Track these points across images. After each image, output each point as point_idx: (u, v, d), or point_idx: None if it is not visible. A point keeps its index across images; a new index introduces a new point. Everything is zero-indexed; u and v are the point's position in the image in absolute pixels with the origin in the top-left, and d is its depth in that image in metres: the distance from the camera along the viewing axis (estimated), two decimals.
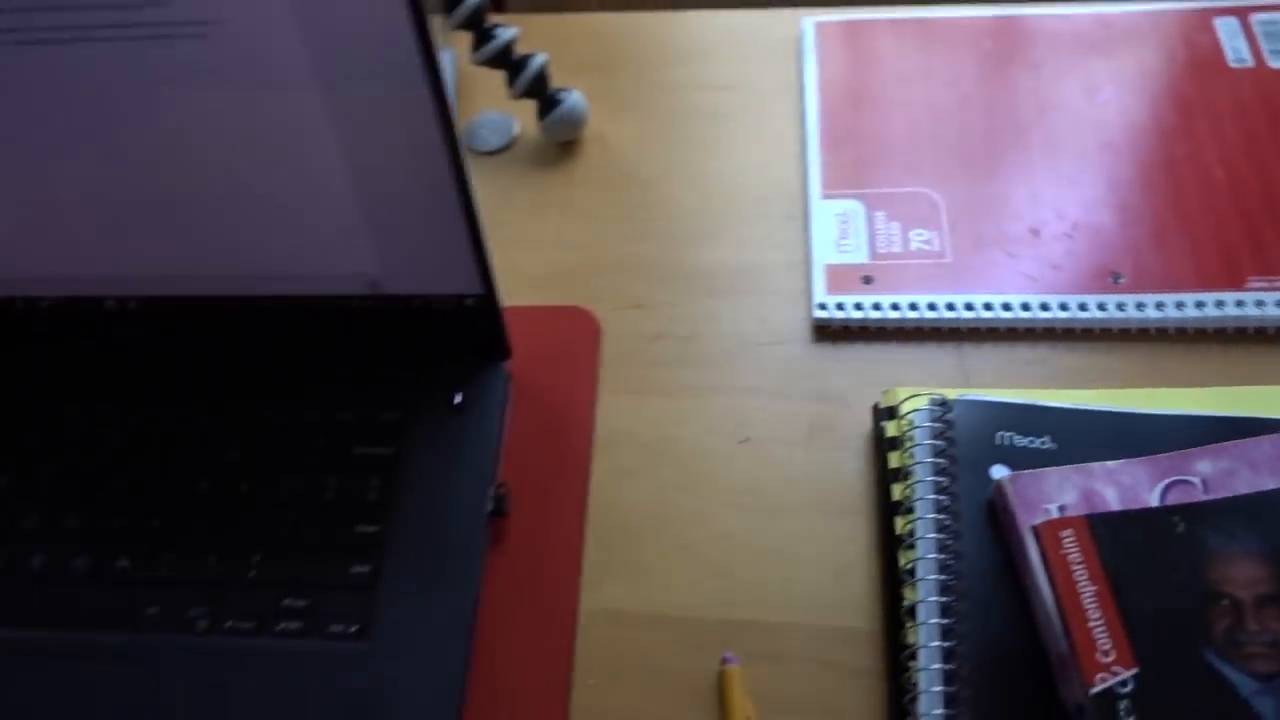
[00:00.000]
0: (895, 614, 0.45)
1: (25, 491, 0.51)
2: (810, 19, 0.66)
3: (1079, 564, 0.38)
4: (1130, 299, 0.53)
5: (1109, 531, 0.39)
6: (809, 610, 0.47)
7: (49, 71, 0.44)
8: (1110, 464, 0.43)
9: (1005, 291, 0.53)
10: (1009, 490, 0.43)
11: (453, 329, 0.52)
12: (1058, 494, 0.43)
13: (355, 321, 0.52)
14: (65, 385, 0.54)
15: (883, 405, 0.50)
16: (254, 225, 0.49)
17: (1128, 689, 0.36)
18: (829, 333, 0.54)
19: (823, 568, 0.48)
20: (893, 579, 0.46)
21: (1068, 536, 0.39)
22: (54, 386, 0.54)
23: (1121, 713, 0.35)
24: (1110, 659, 0.36)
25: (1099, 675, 0.36)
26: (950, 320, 0.53)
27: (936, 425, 0.47)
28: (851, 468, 0.50)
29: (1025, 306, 0.53)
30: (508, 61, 0.60)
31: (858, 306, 0.54)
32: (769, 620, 0.47)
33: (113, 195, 0.48)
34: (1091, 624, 0.37)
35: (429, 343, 0.53)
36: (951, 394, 0.49)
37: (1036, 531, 0.40)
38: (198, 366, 0.54)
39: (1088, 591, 0.38)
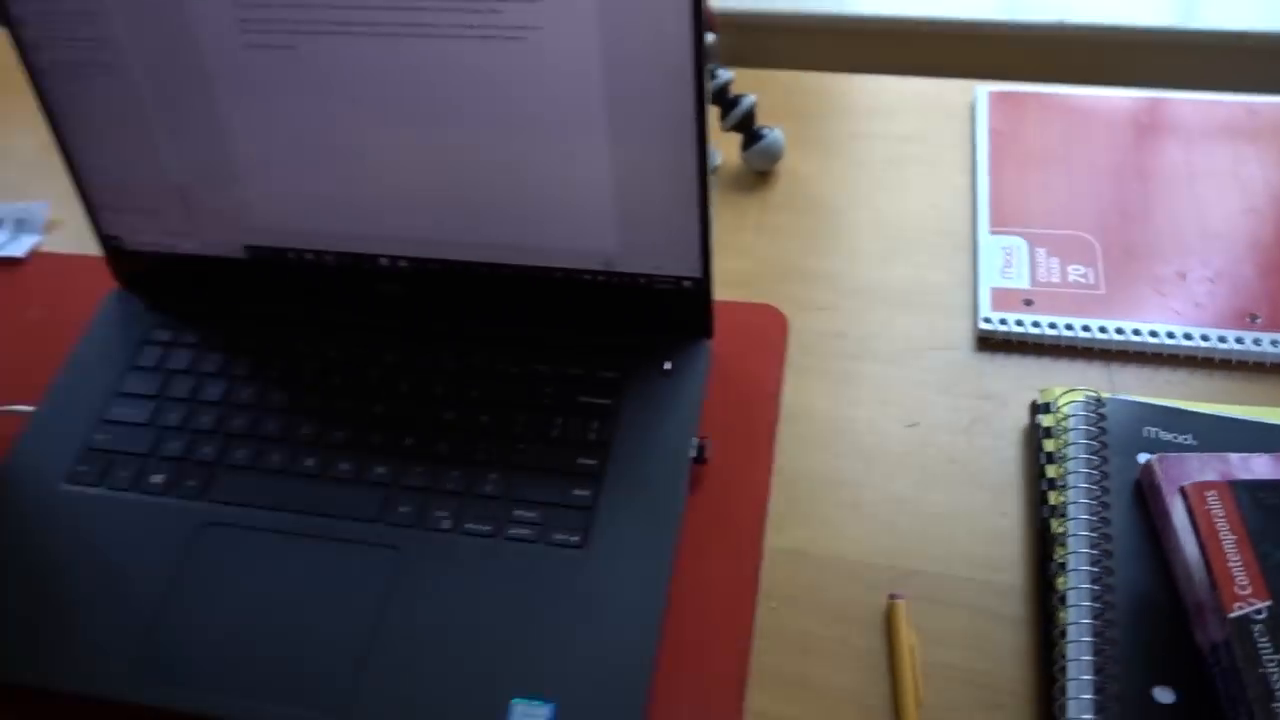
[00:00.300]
0: (1045, 573, 0.52)
1: (301, 407, 0.61)
2: (983, 88, 0.75)
3: (1220, 517, 0.45)
4: (1266, 336, 0.59)
5: (1247, 494, 0.46)
6: (966, 564, 0.54)
7: (387, 59, 0.55)
8: (1246, 454, 0.50)
9: (1152, 321, 0.61)
10: (1157, 467, 0.50)
11: (667, 307, 0.61)
12: (1198, 474, 0.49)
13: (586, 292, 0.62)
14: (339, 325, 0.65)
15: (1040, 400, 0.57)
16: (521, 202, 0.59)
17: (1262, 616, 0.42)
18: (991, 343, 0.62)
19: (977, 530, 0.55)
20: (1044, 543, 0.53)
21: (1211, 495, 0.46)
22: (330, 326, 0.65)
23: (1256, 634, 0.41)
24: (1247, 592, 0.42)
25: (1236, 604, 0.42)
26: (1101, 341, 0.60)
27: (1090, 416, 0.54)
28: (1007, 454, 0.58)
29: (1170, 334, 0.60)
30: (723, 99, 0.70)
31: (1018, 323, 0.62)
32: (930, 570, 0.54)
33: (410, 167, 0.59)
34: (1230, 564, 0.43)
35: (645, 316, 0.62)
36: (1104, 395, 0.56)
37: (1184, 492, 0.46)
38: (450, 320, 0.64)
39: (1228, 540, 0.44)
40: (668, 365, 0.61)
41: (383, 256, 0.64)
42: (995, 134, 0.72)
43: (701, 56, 0.52)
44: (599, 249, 0.60)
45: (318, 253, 0.64)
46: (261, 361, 0.64)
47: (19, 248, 0.75)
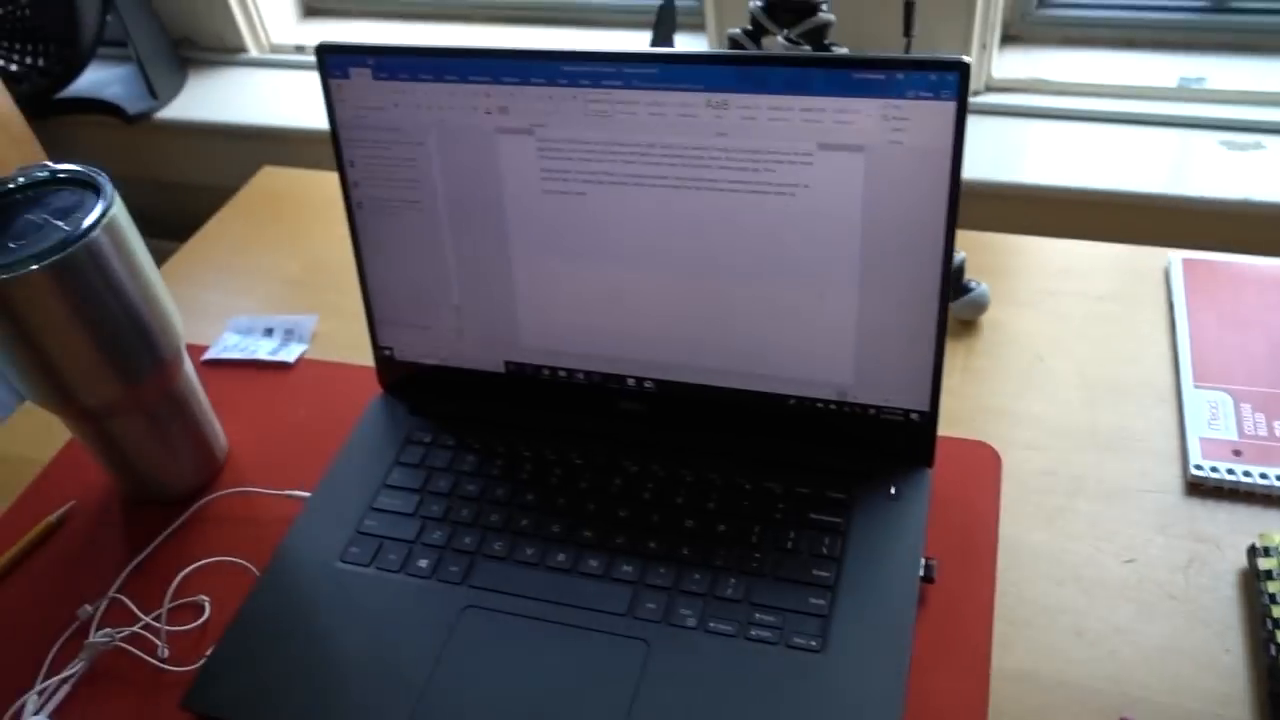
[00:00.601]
0: (1275, 711, 0.53)
1: (551, 507, 0.68)
2: (1177, 255, 0.81)
3: None
4: None
5: None
6: (1193, 695, 0.56)
7: (665, 208, 0.64)
8: None
9: None
10: None
11: (892, 436, 0.67)
12: None
13: (817, 419, 0.68)
14: (584, 436, 0.72)
15: (1260, 545, 0.60)
16: (768, 337, 0.66)
17: None
18: (1202, 490, 0.66)
19: (1202, 664, 0.57)
20: (1273, 680, 0.55)
21: None
22: (575, 436, 0.72)
23: None
24: None
25: None
26: None
27: None
28: (1226, 594, 0.60)
29: None
30: None
31: (1229, 471, 0.65)
32: (1157, 699, 0.56)
33: (669, 302, 0.67)
34: None
35: (870, 443, 0.67)
36: None
37: None
38: (687, 436, 0.71)
39: None
40: (893, 490, 0.66)
41: (630, 377, 0.71)
42: (1191, 295, 0.77)
43: (955, 212, 0.59)
44: (835, 381, 0.66)
45: (570, 371, 0.72)
46: (514, 464, 0.71)
47: (289, 354, 0.84)
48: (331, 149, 0.69)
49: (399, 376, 0.77)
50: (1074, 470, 0.68)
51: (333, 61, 0.66)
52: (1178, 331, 0.75)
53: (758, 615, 0.60)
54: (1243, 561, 0.62)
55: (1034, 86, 1.28)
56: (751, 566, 0.63)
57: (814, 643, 0.59)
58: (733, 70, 0.59)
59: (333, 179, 1.06)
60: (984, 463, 0.69)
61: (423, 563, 0.66)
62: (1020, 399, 0.73)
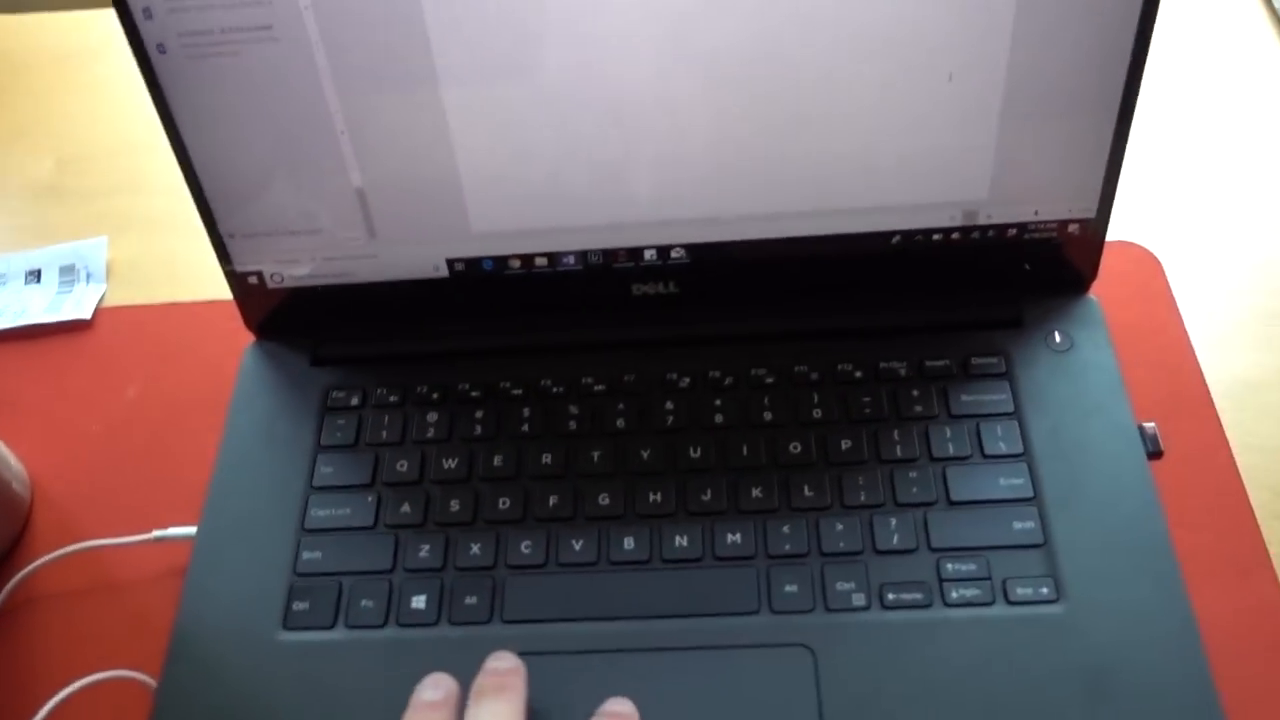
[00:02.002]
0: None
1: (586, 469, 0.45)
2: None
3: None
4: None
5: None
6: None
7: None
8: None
9: None
10: None
11: (1038, 261, 0.47)
12: None
13: (928, 261, 0.47)
14: (583, 349, 0.49)
15: None
16: (858, 145, 0.43)
17: None
18: None
19: None
20: None
21: None
22: (571, 353, 0.48)
23: None
24: None
25: None
26: None
27: None
28: None
29: None
30: None
31: None
32: None
33: (696, 119, 0.43)
34: None
35: (1004, 278, 0.48)
36: None
37: None
38: (746, 321, 0.48)
39: None
40: (1058, 336, 0.47)
41: (648, 248, 0.47)
42: None
43: None
44: (961, 198, 0.45)
45: (552, 256, 0.48)
46: (503, 412, 0.47)
47: (81, 304, 0.55)
48: None
49: (277, 311, 0.50)
50: (1250, 261, 0.51)
51: None
52: None
53: (950, 566, 0.41)
54: None
55: None
56: (911, 494, 0.43)
57: (1045, 588, 0.40)
58: None
59: (55, 20, 0.72)
60: (1145, 275, 0.51)
61: (419, 601, 0.42)
62: (1138, 181, 0.55)
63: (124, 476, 0.49)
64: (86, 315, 0.55)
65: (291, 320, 0.50)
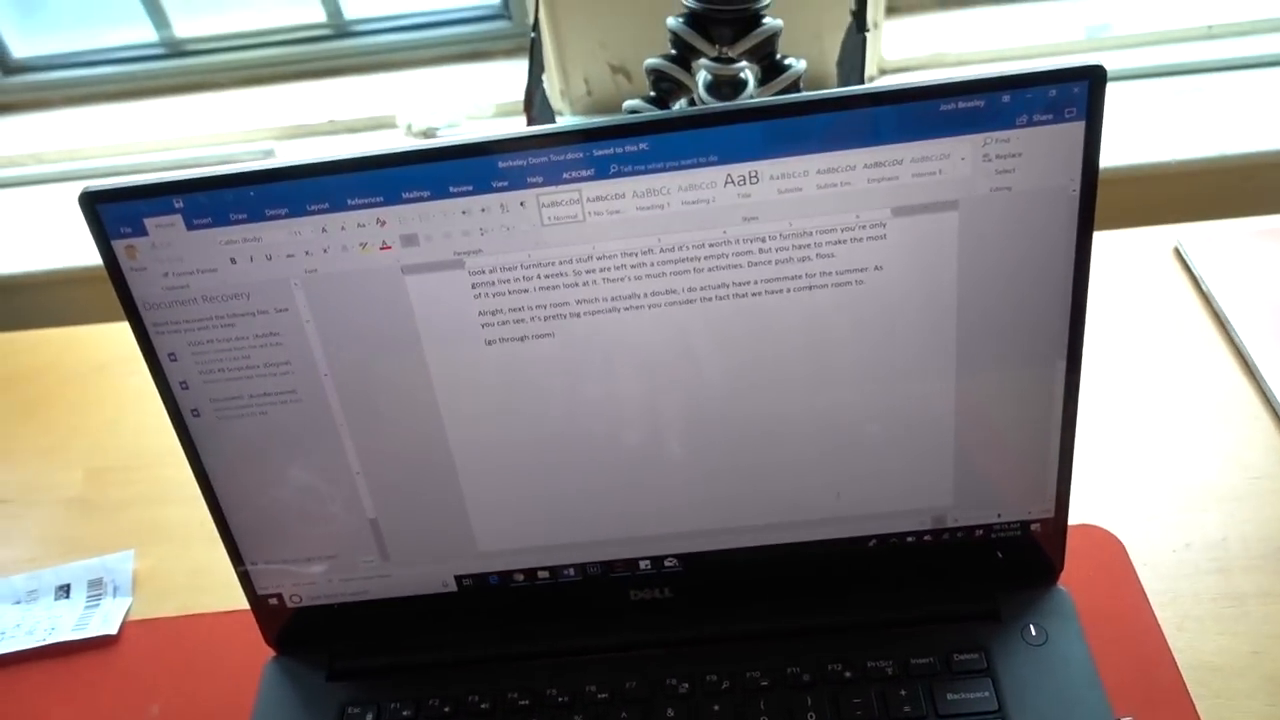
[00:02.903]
0: None
1: None
2: (1182, 231, 0.70)
3: None
4: None
5: None
6: None
7: (687, 330, 0.44)
8: None
9: None
10: None
11: (1006, 556, 0.50)
12: None
13: (903, 561, 0.51)
14: (583, 654, 0.51)
15: None
16: (834, 468, 0.48)
17: None
18: None
19: None
20: None
21: None
22: (572, 657, 0.51)
23: None
24: None
25: None
26: None
27: None
28: None
29: None
30: None
31: None
32: None
33: (694, 449, 0.47)
34: None
35: (973, 573, 0.51)
36: None
37: None
38: (738, 622, 0.51)
39: None
40: (1033, 630, 0.50)
41: (643, 559, 0.51)
42: (1225, 279, 0.66)
43: (1086, 263, 0.43)
44: (929, 505, 0.49)
45: (554, 569, 0.51)
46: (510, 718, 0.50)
47: (107, 620, 0.58)
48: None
49: (296, 627, 0.53)
50: (1208, 537, 0.55)
51: (111, 215, 0.42)
52: (1233, 326, 0.64)
53: None
54: None
55: (934, 62, 1.13)
56: None
57: None
58: (759, 129, 0.40)
59: (88, 333, 0.78)
60: (1108, 556, 0.54)
61: None
62: (1088, 460, 0.59)
63: None
64: (113, 630, 0.58)
65: (309, 634, 0.53)
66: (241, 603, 0.52)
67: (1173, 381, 0.63)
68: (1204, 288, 0.67)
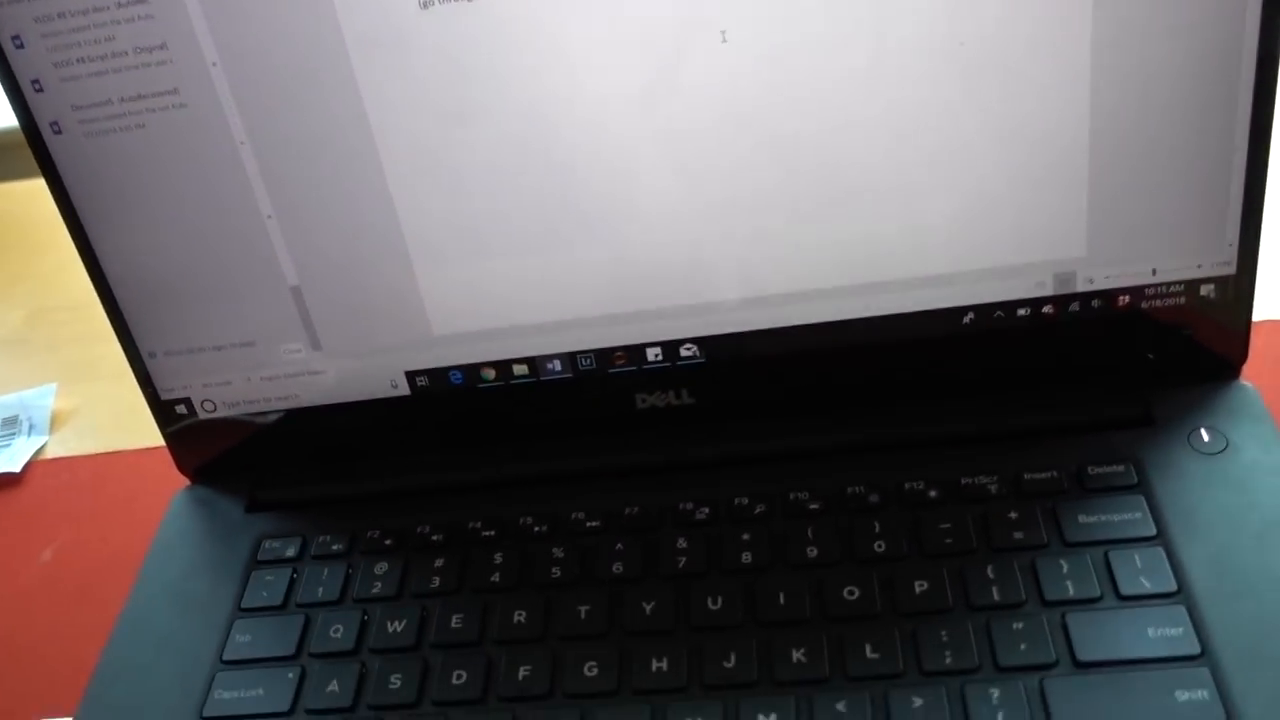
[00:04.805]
0: None
1: (582, 631, 0.34)
2: None
3: None
4: None
5: None
6: None
7: None
8: None
9: None
10: None
11: (1164, 333, 0.36)
12: None
13: (1017, 344, 0.36)
14: (586, 480, 0.38)
15: None
16: (919, 202, 0.34)
17: None
18: None
19: None
20: None
21: None
22: (571, 483, 0.38)
23: None
24: None
25: None
26: None
27: None
28: None
29: None
30: None
31: None
32: None
33: (715, 170, 0.34)
34: None
35: (1115, 363, 0.36)
36: None
37: None
38: (784, 435, 0.38)
39: None
40: (1205, 435, 0.35)
41: (651, 345, 0.38)
42: None
43: None
44: (1053, 258, 0.35)
45: (532, 362, 0.38)
46: (469, 559, 0.36)
47: (11, 460, 0.48)
48: None
49: (212, 448, 0.41)
50: None
51: None
52: None
53: None
54: None
55: None
56: (1020, 653, 0.30)
57: None
58: None
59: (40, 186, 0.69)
60: None
61: None
62: None
63: (17, 651, 0.39)
64: (16, 469, 0.47)
65: (229, 459, 0.41)
66: (161, 441, 0.41)
67: None
68: None
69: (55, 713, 0.36)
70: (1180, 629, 0.30)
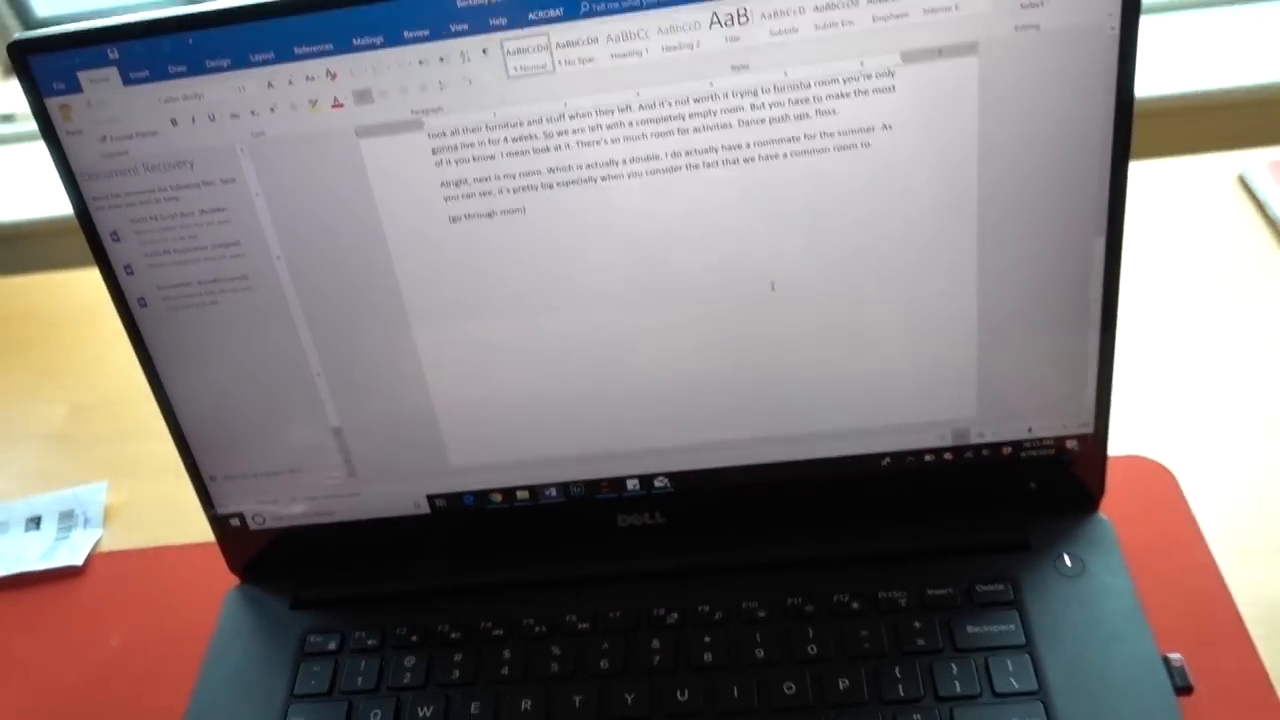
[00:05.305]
0: None
1: (569, 712, 0.42)
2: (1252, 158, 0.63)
3: None
4: None
5: None
6: None
7: (659, 204, 0.40)
8: None
9: None
10: None
11: (1037, 480, 0.45)
12: None
13: (921, 483, 0.45)
14: (565, 585, 0.47)
15: None
16: (841, 371, 0.43)
17: None
18: None
19: None
20: None
21: None
22: (553, 588, 0.47)
23: None
24: None
25: None
26: None
27: None
28: None
29: None
30: None
31: None
32: None
33: (684, 350, 0.43)
34: None
35: (999, 499, 0.46)
36: None
37: None
38: (734, 551, 0.46)
39: None
40: (1067, 560, 0.44)
41: (631, 478, 0.46)
42: None
43: (1128, 123, 0.37)
44: (950, 417, 0.44)
45: (534, 489, 0.47)
46: (483, 655, 0.44)
47: (74, 551, 0.55)
48: (79, 227, 0.41)
49: (260, 553, 0.49)
50: (1269, 467, 0.49)
51: (45, 67, 0.38)
52: None
53: None
54: None
55: None
56: None
57: None
58: None
59: (75, 278, 0.76)
60: (1159, 489, 0.48)
61: None
62: (1141, 390, 0.53)
63: None
64: (79, 562, 0.54)
65: (274, 561, 0.49)
66: (210, 536, 0.49)
67: (1233, 308, 0.56)
68: (1269, 213, 0.61)
69: None
70: None
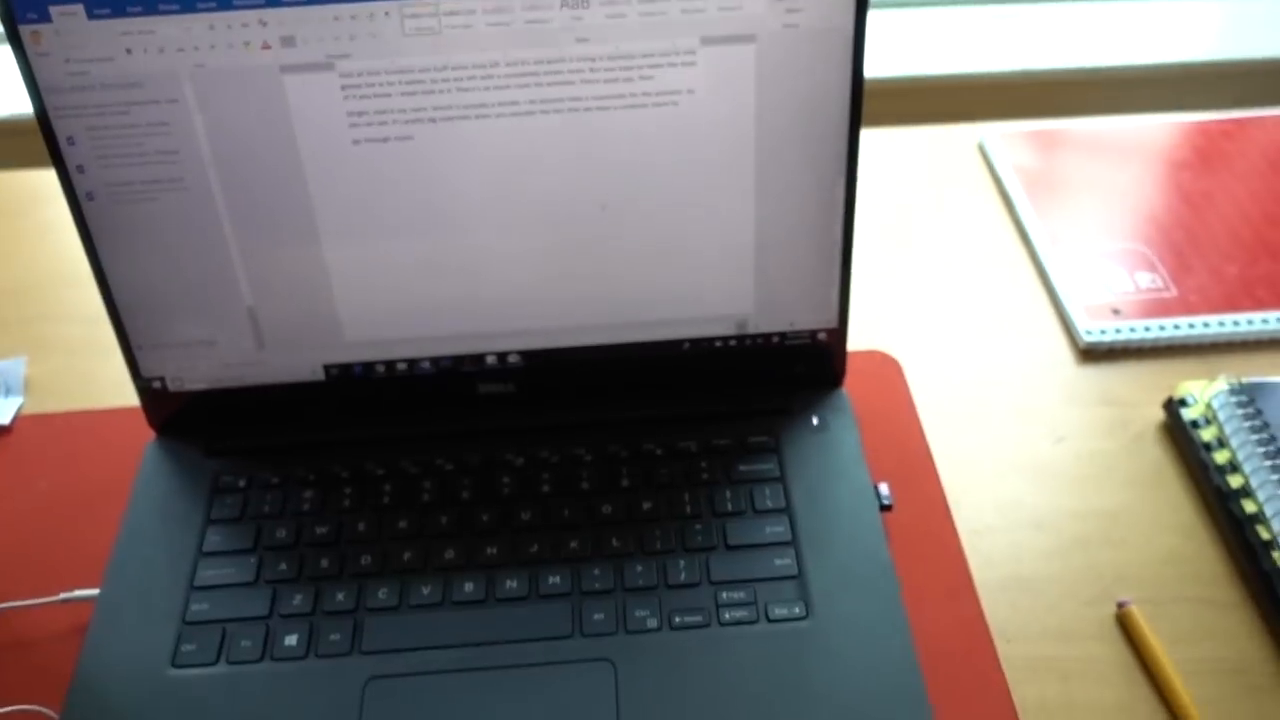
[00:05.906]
0: (1248, 553, 0.53)
1: (434, 530, 0.55)
2: (990, 130, 0.80)
3: None
4: None
5: None
6: (1163, 560, 0.54)
7: (517, 140, 0.52)
8: None
9: (1223, 312, 0.65)
10: None
11: (798, 362, 0.60)
12: None
13: (714, 362, 0.59)
14: (438, 438, 0.59)
15: (1176, 396, 0.60)
16: (654, 274, 0.56)
17: None
18: (1095, 355, 0.65)
19: (1161, 526, 0.56)
20: (1236, 524, 0.54)
21: None
22: (427, 441, 0.59)
23: None
24: None
25: None
26: (1194, 336, 0.64)
27: (1241, 399, 0.57)
28: (1153, 453, 0.59)
29: (1250, 321, 0.65)
30: None
31: (1116, 331, 0.64)
32: (1135, 573, 0.54)
33: (531, 256, 0.55)
34: None
35: (774, 375, 0.60)
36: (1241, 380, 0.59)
37: None
38: (564, 412, 0.60)
39: None
40: (815, 420, 0.59)
41: (489, 354, 0.59)
42: (1019, 169, 0.77)
43: (860, 99, 0.52)
44: (733, 313, 0.58)
45: (411, 361, 0.59)
46: (367, 487, 0.57)
47: (1, 414, 0.64)
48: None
49: (176, 412, 0.59)
50: (971, 362, 0.65)
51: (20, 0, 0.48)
52: (1016, 205, 0.75)
53: (725, 594, 0.52)
54: (1158, 416, 0.61)
55: None
56: (696, 541, 0.54)
57: (797, 609, 0.51)
58: None
59: (22, 178, 0.82)
60: (887, 373, 0.64)
61: (291, 640, 0.51)
62: (883, 303, 0.69)
63: (33, 550, 0.57)
64: (5, 421, 0.63)
65: (190, 420, 0.59)
66: (128, 402, 0.59)
67: (956, 242, 0.73)
68: (995, 170, 0.77)
69: (81, 586, 0.54)
70: (782, 528, 0.54)
